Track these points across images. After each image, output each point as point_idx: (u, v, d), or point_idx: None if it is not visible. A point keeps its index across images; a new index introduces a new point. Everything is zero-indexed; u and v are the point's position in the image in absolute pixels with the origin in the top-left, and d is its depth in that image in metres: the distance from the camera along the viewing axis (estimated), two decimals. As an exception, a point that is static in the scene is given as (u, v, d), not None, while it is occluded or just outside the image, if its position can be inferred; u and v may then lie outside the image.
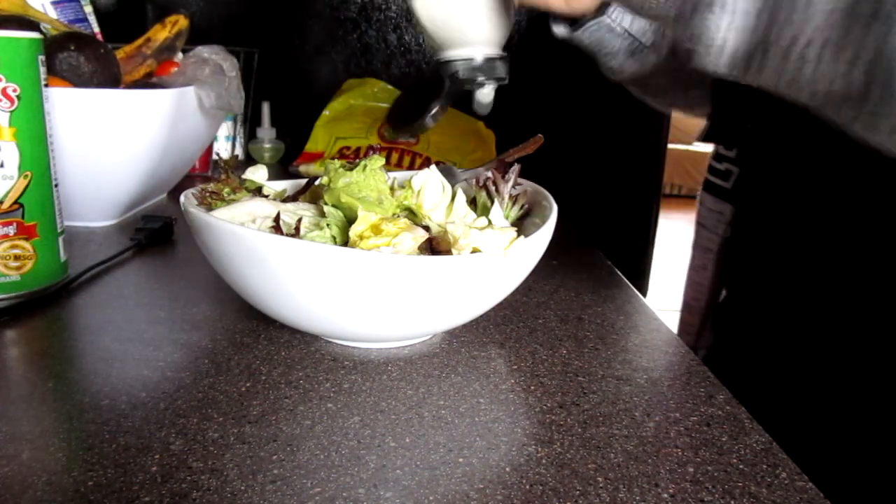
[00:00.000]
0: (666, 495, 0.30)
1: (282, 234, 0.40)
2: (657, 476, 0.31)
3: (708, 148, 0.63)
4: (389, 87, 1.02)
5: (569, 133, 0.96)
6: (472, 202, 0.47)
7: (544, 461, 0.32)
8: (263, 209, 0.42)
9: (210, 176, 0.94)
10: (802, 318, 0.51)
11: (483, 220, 0.44)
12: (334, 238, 0.41)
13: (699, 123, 0.63)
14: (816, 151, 0.50)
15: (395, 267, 0.35)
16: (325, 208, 0.42)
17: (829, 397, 0.49)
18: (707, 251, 0.60)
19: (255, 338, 0.43)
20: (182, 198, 0.42)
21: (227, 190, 0.45)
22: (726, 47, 0.37)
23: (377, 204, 0.42)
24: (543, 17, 0.66)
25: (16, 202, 0.46)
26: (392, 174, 0.49)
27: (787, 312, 0.53)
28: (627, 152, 1.19)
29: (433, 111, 0.47)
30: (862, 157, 0.42)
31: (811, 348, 0.50)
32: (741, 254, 0.58)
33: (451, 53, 0.47)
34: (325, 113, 1.00)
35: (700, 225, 0.61)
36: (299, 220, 0.41)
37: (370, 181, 0.43)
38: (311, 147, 0.96)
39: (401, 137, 0.53)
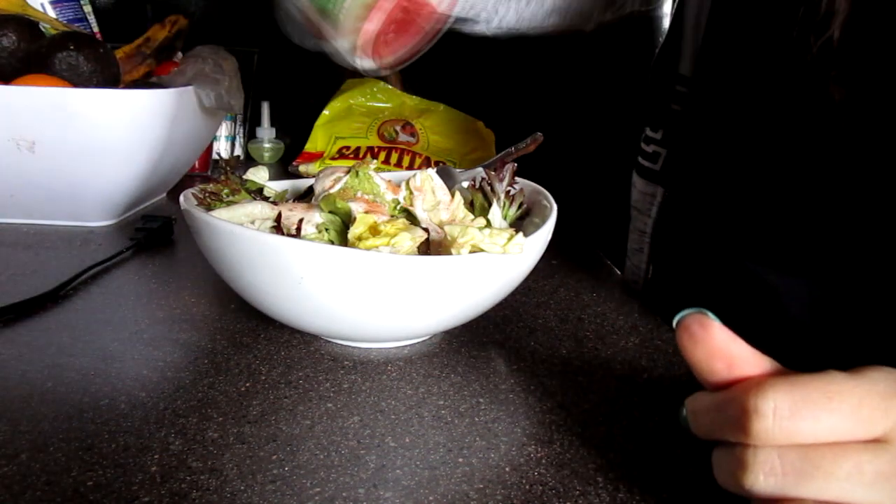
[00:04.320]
0: (666, 495, 0.30)
1: (282, 234, 0.40)
2: (657, 476, 0.31)
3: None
4: (389, 87, 1.02)
5: (569, 132, 0.96)
6: (471, 206, 0.47)
7: (544, 461, 0.32)
8: (262, 211, 0.42)
9: (210, 176, 0.94)
10: (722, 298, 0.52)
11: (481, 221, 0.44)
12: (332, 242, 0.41)
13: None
14: (740, 135, 0.50)
15: (394, 267, 0.35)
16: (322, 214, 0.42)
17: None
18: (642, 234, 0.61)
19: (255, 338, 0.43)
20: (182, 198, 0.42)
21: (226, 191, 0.45)
22: None
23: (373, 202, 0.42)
24: None
25: None
26: (388, 175, 0.49)
27: (709, 291, 0.53)
28: (628, 152, 1.19)
29: None
30: (783, 142, 0.45)
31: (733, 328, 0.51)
32: (667, 234, 0.58)
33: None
34: (325, 113, 1.00)
35: (634, 208, 0.61)
36: (300, 221, 0.41)
37: (364, 184, 0.43)
38: (310, 147, 0.96)
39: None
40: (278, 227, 0.41)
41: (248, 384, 0.38)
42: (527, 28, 0.64)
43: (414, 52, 0.57)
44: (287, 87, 1.10)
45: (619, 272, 0.61)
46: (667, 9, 0.94)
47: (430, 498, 0.29)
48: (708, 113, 0.52)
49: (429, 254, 0.40)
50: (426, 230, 0.41)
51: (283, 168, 1.00)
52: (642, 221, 0.60)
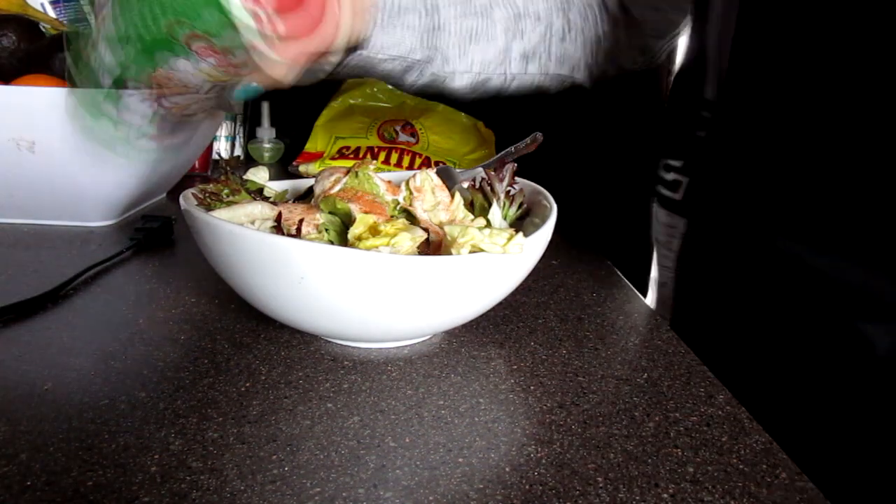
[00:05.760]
0: (666, 495, 0.30)
1: (282, 234, 0.40)
2: (657, 476, 0.31)
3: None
4: (389, 86, 1.02)
5: (569, 132, 0.96)
6: (471, 206, 0.47)
7: (544, 461, 0.32)
8: (262, 211, 0.42)
9: (210, 176, 0.94)
10: (750, 337, 0.48)
11: (481, 221, 0.44)
12: (332, 243, 0.41)
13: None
14: (774, 161, 0.46)
15: (394, 267, 0.35)
16: (322, 214, 0.42)
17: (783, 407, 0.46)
18: (666, 268, 0.58)
19: (255, 338, 0.43)
20: (181, 198, 0.42)
21: (226, 191, 0.45)
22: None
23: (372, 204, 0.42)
24: None
25: None
26: (388, 175, 0.49)
27: (735, 329, 0.50)
28: (628, 151, 1.19)
29: None
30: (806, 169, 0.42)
31: (758, 364, 0.47)
32: (694, 268, 0.54)
33: None
34: (325, 113, 1.00)
35: (656, 241, 0.58)
36: (300, 222, 0.41)
37: (364, 185, 0.43)
38: (310, 147, 0.96)
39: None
40: (278, 227, 0.41)
41: (248, 384, 0.38)
42: (496, 80, 0.59)
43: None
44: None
45: (621, 275, 0.61)
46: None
47: (430, 498, 0.29)
48: (738, 138, 0.48)
49: (429, 254, 0.40)
50: (426, 230, 0.41)
51: (283, 168, 1.00)
52: (664, 255, 0.56)
